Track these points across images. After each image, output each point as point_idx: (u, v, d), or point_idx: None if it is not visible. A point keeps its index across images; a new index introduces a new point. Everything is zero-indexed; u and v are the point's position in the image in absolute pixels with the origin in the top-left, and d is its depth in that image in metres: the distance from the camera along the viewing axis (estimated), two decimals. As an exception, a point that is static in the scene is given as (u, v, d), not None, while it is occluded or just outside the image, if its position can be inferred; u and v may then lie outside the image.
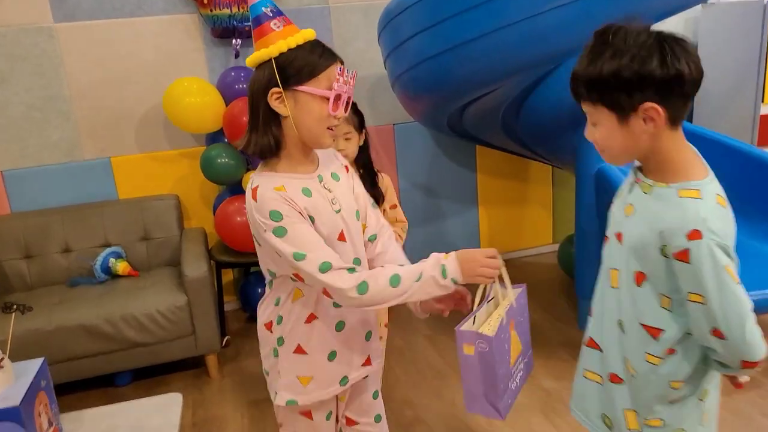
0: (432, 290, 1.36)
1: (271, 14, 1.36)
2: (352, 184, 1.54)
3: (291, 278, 1.43)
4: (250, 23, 3.22)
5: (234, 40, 3.26)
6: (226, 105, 3.15)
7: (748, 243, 3.16)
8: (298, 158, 1.42)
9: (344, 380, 1.54)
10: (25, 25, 3.12)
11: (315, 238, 1.36)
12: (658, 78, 1.09)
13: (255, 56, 1.37)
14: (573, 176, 4.01)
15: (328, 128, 1.38)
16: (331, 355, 1.50)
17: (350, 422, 1.70)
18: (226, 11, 3.16)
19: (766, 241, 3.22)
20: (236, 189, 3.29)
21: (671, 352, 1.25)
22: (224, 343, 3.17)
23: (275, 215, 1.33)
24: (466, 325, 1.38)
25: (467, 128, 3.16)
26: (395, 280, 1.34)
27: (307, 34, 1.37)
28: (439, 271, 1.34)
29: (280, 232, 1.33)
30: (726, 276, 1.12)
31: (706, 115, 3.93)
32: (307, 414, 1.56)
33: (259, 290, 3.55)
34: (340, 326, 1.50)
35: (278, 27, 1.35)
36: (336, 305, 1.46)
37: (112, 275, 3.14)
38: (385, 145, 3.74)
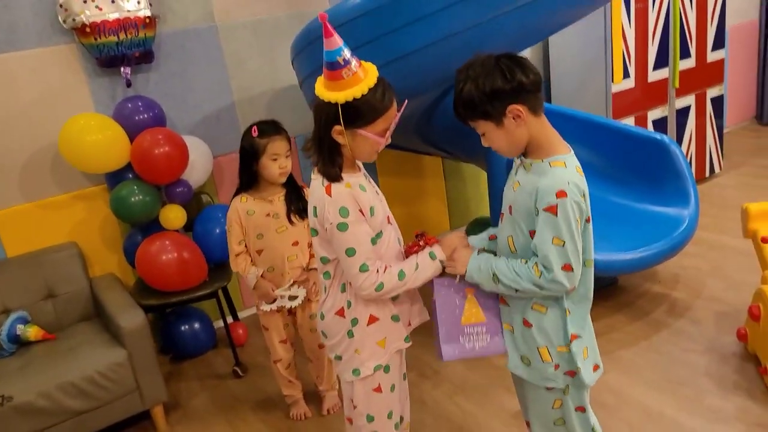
0: (428, 272, 1.69)
1: (342, 63, 1.50)
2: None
3: None
4: (139, 49, 3.03)
5: (123, 69, 3.03)
6: (130, 138, 2.92)
7: (625, 205, 3.62)
8: (350, 164, 1.68)
9: (407, 338, 1.85)
10: None
11: (365, 239, 1.62)
12: (506, 89, 1.46)
13: (325, 94, 1.55)
14: (462, 168, 4.30)
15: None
16: (395, 318, 1.79)
17: None
18: (113, 38, 2.92)
19: (635, 201, 3.66)
20: (152, 227, 3.06)
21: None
22: (162, 390, 2.96)
23: (344, 211, 1.59)
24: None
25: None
26: (401, 275, 1.67)
27: (371, 81, 1.53)
28: (426, 256, 1.69)
29: (342, 228, 1.60)
30: (576, 226, 1.49)
31: (566, 94, 4.40)
32: (378, 389, 1.80)
33: (183, 328, 3.35)
34: (395, 297, 1.75)
35: (348, 75, 1.51)
36: None
37: (21, 343, 2.80)
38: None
